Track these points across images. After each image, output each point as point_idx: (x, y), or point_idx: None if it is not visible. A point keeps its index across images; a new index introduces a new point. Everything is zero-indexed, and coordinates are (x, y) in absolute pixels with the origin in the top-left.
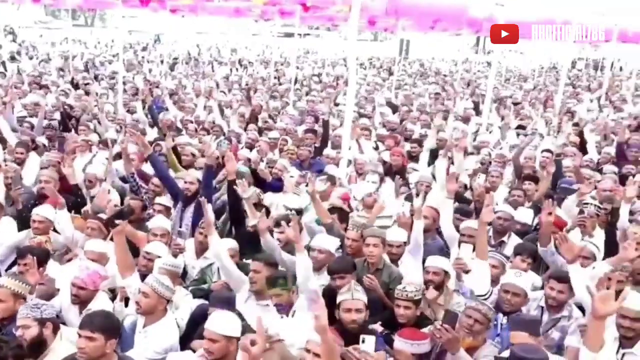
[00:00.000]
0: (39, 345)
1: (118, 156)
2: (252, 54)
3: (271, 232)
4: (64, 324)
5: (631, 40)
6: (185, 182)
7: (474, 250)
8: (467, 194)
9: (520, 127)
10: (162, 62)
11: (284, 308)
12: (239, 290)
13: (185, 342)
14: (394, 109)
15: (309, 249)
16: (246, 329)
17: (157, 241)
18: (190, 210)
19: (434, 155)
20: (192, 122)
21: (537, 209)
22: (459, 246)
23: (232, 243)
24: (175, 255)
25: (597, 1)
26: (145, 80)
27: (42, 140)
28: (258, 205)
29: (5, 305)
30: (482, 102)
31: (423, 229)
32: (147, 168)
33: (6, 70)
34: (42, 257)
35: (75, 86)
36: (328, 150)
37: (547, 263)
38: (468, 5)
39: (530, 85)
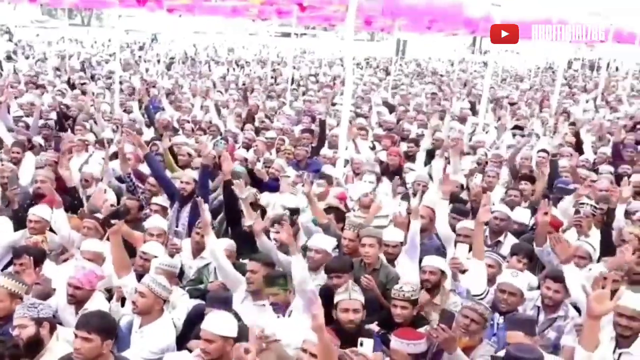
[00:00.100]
0: (36, 344)
1: (114, 156)
2: (249, 54)
3: (267, 232)
4: (60, 324)
5: (627, 40)
6: (182, 182)
7: (470, 250)
8: (464, 194)
9: (516, 127)
10: (158, 61)
11: (281, 307)
12: (236, 290)
13: (181, 342)
14: (391, 108)
15: (305, 248)
16: (243, 329)
17: (154, 241)
18: (186, 210)
19: (430, 155)
20: (188, 121)
21: (534, 209)
22: (455, 246)
23: (229, 243)
24: (171, 255)
25: (593, 1)
26: (142, 80)
27: (38, 140)
28: (254, 205)
29: (2, 305)
30: (478, 102)
31: (420, 228)
32: (144, 168)
33: (2, 70)
34: (38, 257)
35: (72, 86)
36: (325, 150)
37: (543, 263)
38: (464, 5)
39: (526, 86)
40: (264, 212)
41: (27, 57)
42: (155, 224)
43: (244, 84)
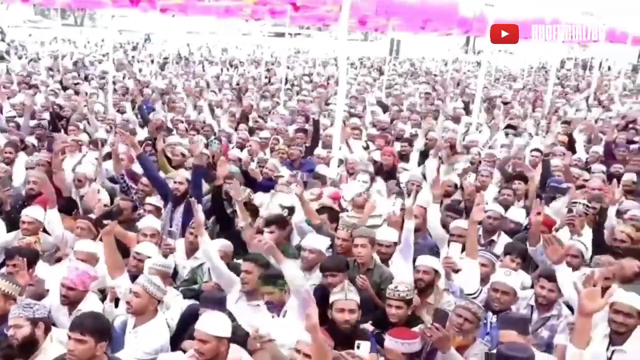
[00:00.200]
0: (31, 345)
1: (108, 156)
2: (243, 54)
3: (261, 232)
4: (54, 324)
5: (619, 40)
6: (175, 182)
7: (463, 249)
8: (457, 194)
9: (509, 126)
10: (152, 61)
11: (275, 307)
12: (230, 290)
13: (175, 342)
14: (385, 108)
15: (299, 248)
16: (237, 329)
17: (147, 241)
18: (180, 210)
19: (424, 154)
20: (182, 122)
21: (528, 209)
22: (449, 245)
23: (225, 243)
24: (165, 256)
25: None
26: (135, 80)
27: (31, 140)
28: (248, 204)
29: None
30: (472, 102)
31: (414, 228)
32: (137, 168)
33: None
34: (31, 258)
35: (64, 88)
36: (319, 150)
37: (536, 262)
38: (458, 5)
39: (519, 85)
40: (257, 212)
41: (19, 57)
42: (148, 224)
43: (237, 84)
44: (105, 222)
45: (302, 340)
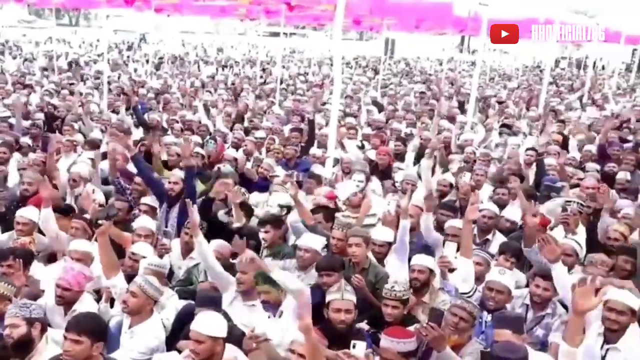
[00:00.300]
0: (26, 344)
1: (102, 156)
2: (238, 54)
3: (256, 232)
4: (49, 325)
5: (613, 39)
6: (170, 182)
7: (458, 249)
8: (452, 193)
9: (504, 125)
10: (147, 61)
11: (272, 307)
12: (226, 290)
13: (171, 342)
14: (380, 108)
15: (295, 248)
16: (232, 329)
17: (142, 242)
18: (175, 210)
19: (419, 154)
20: (177, 122)
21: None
22: (444, 245)
23: (222, 243)
24: (161, 256)
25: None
26: (130, 79)
27: (26, 140)
28: (243, 204)
29: None
30: (467, 102)
31: (409, 228)
32: (132, 167)
33: None
34: (26, 258)
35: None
36: (314, 150)
37: (531, 262)
38: (452, 4)
39: (514, 84)
40: (251, 213)
41: (14, 57)
42: (143, 224)
43: (233, 84)
44: (100, 222)
45: (296, 340)
